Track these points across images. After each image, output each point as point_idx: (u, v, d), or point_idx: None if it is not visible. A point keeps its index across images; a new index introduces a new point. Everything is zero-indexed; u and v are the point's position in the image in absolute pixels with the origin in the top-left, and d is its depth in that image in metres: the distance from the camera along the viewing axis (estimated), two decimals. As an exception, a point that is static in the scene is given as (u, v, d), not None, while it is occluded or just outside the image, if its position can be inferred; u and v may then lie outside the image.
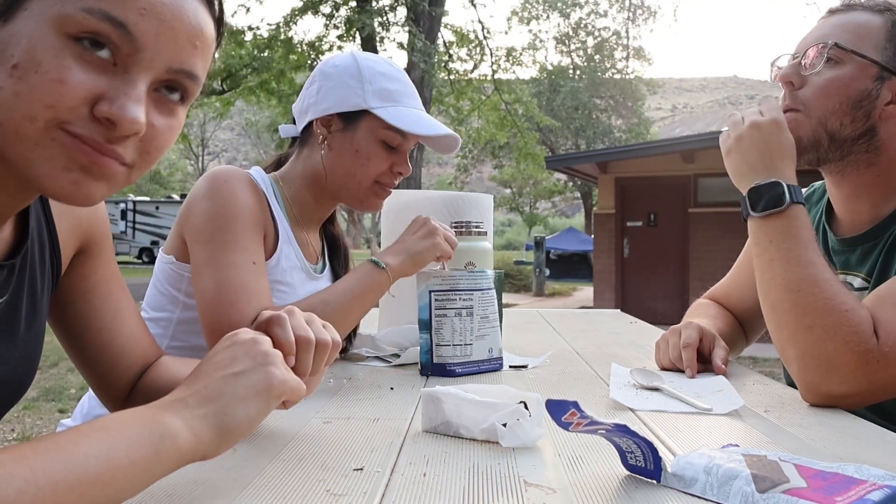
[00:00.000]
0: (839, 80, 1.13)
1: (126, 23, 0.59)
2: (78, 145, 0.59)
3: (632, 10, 31.01)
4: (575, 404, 0.65)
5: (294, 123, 1.38)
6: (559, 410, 0.66)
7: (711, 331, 1.26)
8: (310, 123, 1.32)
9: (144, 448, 0.56)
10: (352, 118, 1.28)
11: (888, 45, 1.12)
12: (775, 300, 1.04)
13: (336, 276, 1.43)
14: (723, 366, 1.18)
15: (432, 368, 1.19)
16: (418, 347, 1.23)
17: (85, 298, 0.90)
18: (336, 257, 1.46)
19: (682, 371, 1.20)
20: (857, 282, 1.17)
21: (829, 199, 1.28)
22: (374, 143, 1.28)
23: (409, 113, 1.28)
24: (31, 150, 0.59)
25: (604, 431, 0.67)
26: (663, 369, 1.25)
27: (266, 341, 0.69)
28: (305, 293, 1.28)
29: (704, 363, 1.22)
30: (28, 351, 0.78)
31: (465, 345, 1.19)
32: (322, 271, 1.39)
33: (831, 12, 1.19)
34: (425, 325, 1.19)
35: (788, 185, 1.07)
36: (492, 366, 1.23)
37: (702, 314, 1.43)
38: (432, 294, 1.18)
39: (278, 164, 1.40)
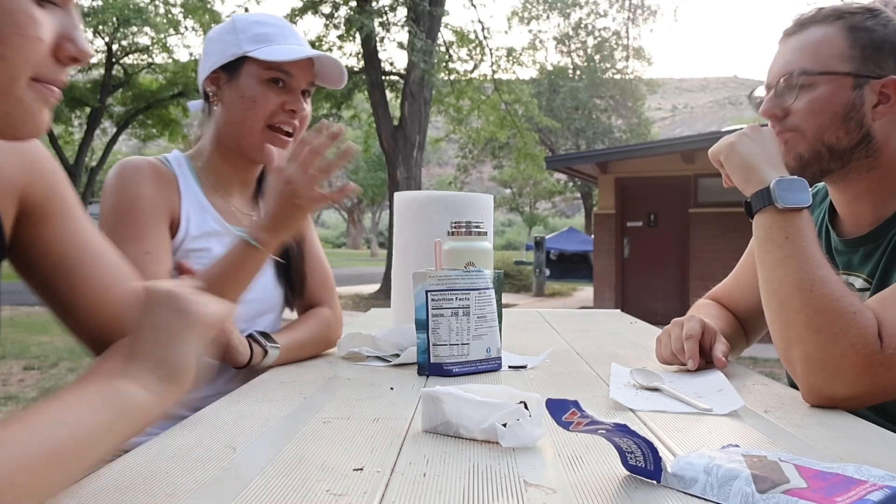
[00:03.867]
0: (820, 100, 1.13)
1: None
2: (51, 90, 0.66)
3: (632, 10, 30.99)
4: (575, 404, 0.65)
5: None
6: (559, 410, 0.66)
7: (713, 326, 1.26)
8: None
9: (108, 411, 0.60)
10: (233, 68, 1.32)
11: (853, 51, 1.11)
12: (784, 298, 1.02)
13: None
14: (723, 359, 1.17)
15: (429, 368, 1.19)
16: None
17: (37, 266, 0.83)
18: None
19: (683, 365, 1.19)
20: (859, 283, 1.17)
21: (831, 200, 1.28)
22: (257, 85, 1.31)
23: (283, 49, 1.30)
24: (12, 104, 0.64)
25: (604, 431, 0.67)
26: (664, 362, 1.25)
27: (175, 285, 0.72)
28: None
29: (705, 357, 1.21)
30: None
31: (462, 344, 1.19)
32: None
33: (787, 35, 1.19)
34: (422, 325, 1.19)
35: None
36: (490, 366, 1.23)
37: (703, 314, 1.42)
38: (429, 294, 1.18)
39: None
